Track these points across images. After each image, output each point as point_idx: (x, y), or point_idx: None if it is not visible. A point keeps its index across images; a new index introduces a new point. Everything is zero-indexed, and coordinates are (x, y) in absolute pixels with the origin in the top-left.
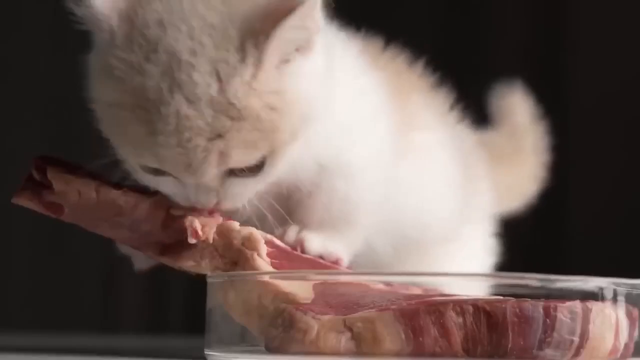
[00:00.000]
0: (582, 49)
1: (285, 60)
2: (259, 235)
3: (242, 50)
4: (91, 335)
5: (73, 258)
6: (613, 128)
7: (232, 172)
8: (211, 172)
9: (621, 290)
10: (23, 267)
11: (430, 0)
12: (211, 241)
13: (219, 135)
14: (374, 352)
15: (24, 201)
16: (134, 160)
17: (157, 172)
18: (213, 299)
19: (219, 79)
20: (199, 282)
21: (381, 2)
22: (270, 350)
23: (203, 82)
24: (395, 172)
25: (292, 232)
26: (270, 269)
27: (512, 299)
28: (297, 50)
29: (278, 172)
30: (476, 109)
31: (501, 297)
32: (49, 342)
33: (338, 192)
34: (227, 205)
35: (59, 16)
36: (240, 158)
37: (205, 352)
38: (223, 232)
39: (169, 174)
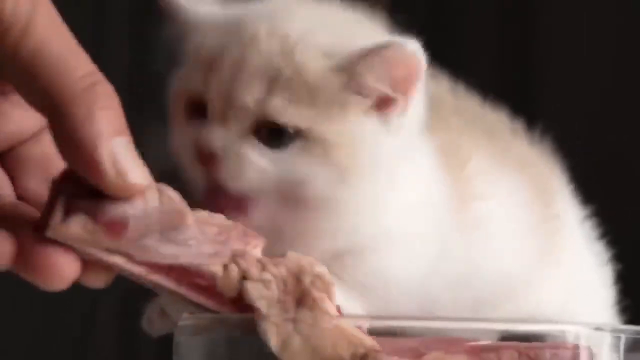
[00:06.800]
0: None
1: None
2: (330, 276)
3: None
4: None
5: None
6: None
7: (258, 133)
8: (248, 95)
9: None
10: None
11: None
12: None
13: (276, 71)
14: None
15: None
16: (179, 86)
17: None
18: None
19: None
20: None
21: None
22: None
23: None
24: (453, 248)
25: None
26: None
27: None
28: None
29: (301, 173)
30: None
31: None
32: None
33: (366, 264)
34: (225, 171)
35: None
36: (279, 105)
37: None
38: (292, 267)
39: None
